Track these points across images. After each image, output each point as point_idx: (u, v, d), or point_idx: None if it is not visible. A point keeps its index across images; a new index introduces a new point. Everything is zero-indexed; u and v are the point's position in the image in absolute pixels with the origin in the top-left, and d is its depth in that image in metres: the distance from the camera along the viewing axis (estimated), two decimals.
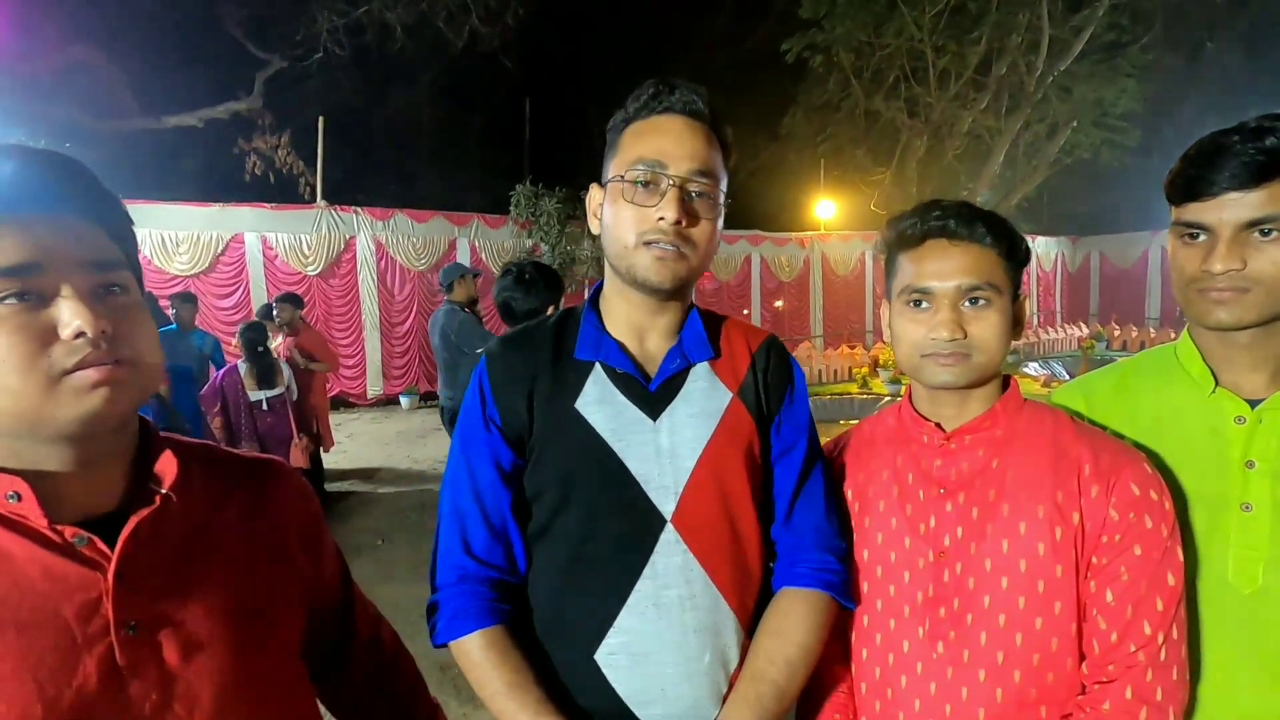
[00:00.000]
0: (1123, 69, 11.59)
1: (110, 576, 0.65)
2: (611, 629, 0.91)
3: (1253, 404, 0.95)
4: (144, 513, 0.68)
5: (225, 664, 0.71)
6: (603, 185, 0.98)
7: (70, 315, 0.63)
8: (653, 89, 0.94)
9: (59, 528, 0.65)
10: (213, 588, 0.72)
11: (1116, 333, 14.70)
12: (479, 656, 0.89)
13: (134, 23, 11.51)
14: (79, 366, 0.63)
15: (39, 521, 0.64)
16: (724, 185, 0.96)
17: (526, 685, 0.87)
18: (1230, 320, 0.92)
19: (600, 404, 0.94)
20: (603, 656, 0.91)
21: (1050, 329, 16.49)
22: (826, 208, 15.26)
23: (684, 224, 0.90)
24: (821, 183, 14.99)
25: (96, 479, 0.69)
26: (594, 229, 1.00)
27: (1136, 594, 0.88)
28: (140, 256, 0.75)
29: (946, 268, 0.94)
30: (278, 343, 5.66)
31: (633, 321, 0.98)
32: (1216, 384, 0.98)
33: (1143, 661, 0.87)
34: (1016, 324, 0.98)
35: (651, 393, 0.95)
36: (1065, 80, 11.48)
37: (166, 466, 0.72)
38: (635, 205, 0.91)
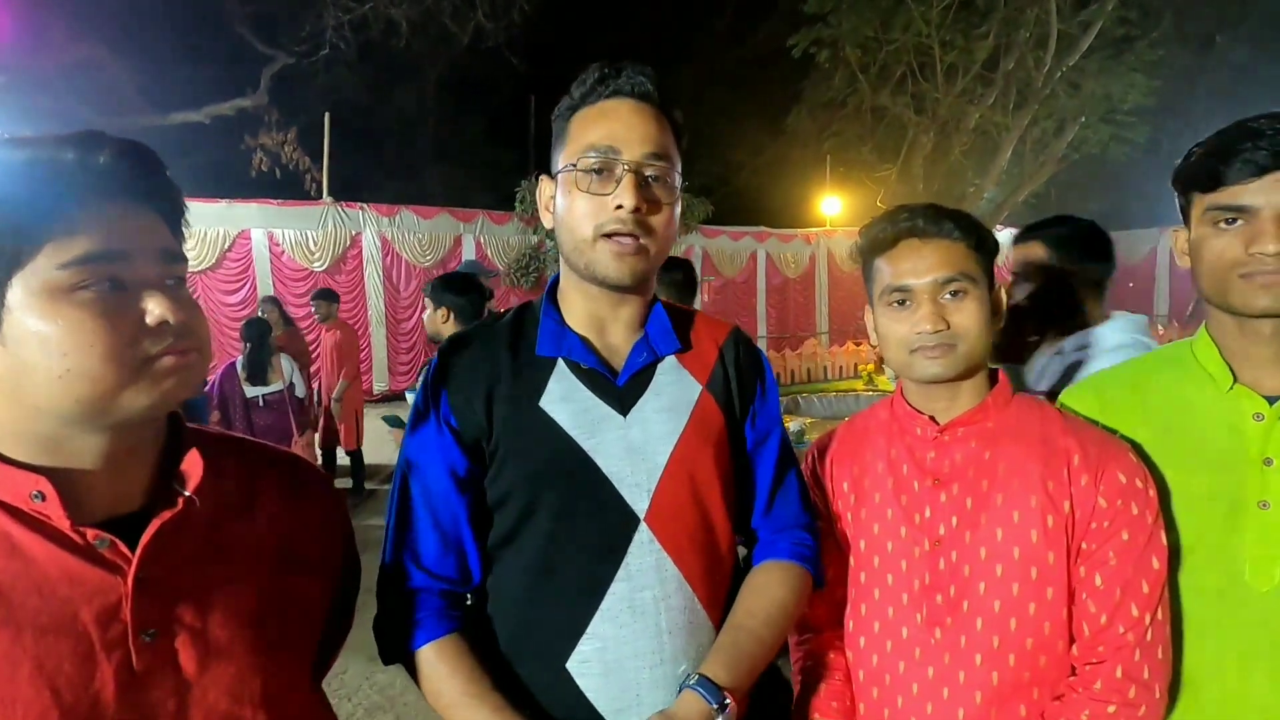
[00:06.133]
0: (1131, 64, 11.47)
1: (130, 581, 0.64)
2: (584, 636, 0.86)
3: (1271, 401, 0.94)
4: (166, 515, 0.67)
5: (242, 671, 0.70)
6: (553, 177, 0.94)
7: (155, 304, 0.65)
8: (598, 73, 0.89)
9: (81, 529, 0.63)
10: (232, 593, 0.71)
11: None
12: (432, 667, 0.85)
13: (140, 20, 11.54)
14: (163, 353, 0.65)
15: (61, 522, 0.63)
16: (679, 168, 0.92)
17: (484, 692, 0.83)
18: (1277, 306, 0.88)
19: (566, 401, 0.89)
20: (575, 665, 0.86)
21: None
22: (832, 204, 15.20)
23: (643, 211, 0.86)
24: (827, 179, 14.91)
25: (122, 477, 0.69)
26: (546, 223, 0.95)
27: (1124, 577, 0.91)
28: None
29: (921, 265, 0.97)
30: (275, 332, 5.58)
31: (593, 315, 0.94)
32: (1235, 381, 0.96)
33: (1131, 642, 0.90)
34: (996, 312, 1.01)
35: (620, 387, 0.92)
36: (1073, 76, 11.36)
37: (192, 467, 0.71)
38: (590, 195, 0.87)
